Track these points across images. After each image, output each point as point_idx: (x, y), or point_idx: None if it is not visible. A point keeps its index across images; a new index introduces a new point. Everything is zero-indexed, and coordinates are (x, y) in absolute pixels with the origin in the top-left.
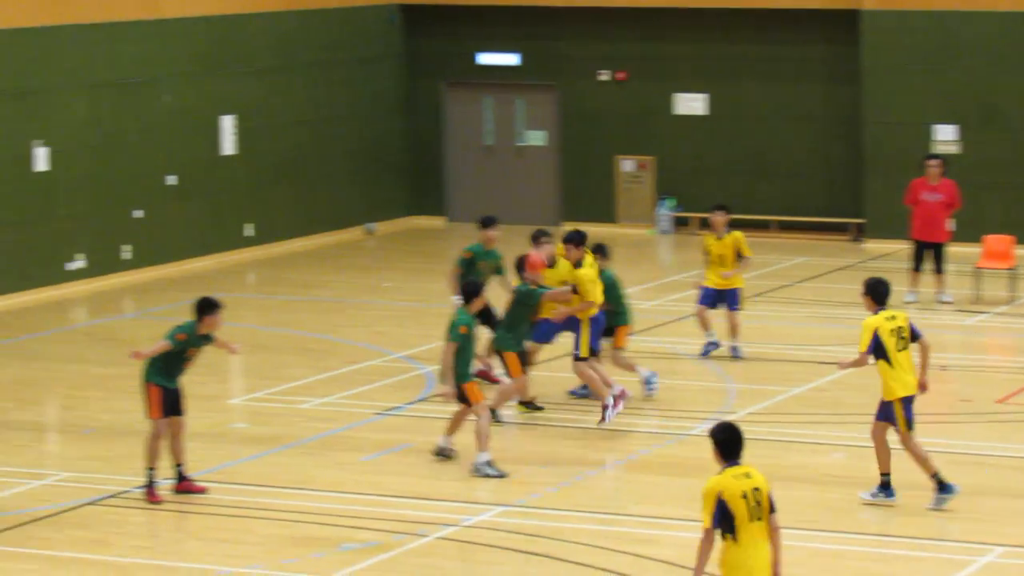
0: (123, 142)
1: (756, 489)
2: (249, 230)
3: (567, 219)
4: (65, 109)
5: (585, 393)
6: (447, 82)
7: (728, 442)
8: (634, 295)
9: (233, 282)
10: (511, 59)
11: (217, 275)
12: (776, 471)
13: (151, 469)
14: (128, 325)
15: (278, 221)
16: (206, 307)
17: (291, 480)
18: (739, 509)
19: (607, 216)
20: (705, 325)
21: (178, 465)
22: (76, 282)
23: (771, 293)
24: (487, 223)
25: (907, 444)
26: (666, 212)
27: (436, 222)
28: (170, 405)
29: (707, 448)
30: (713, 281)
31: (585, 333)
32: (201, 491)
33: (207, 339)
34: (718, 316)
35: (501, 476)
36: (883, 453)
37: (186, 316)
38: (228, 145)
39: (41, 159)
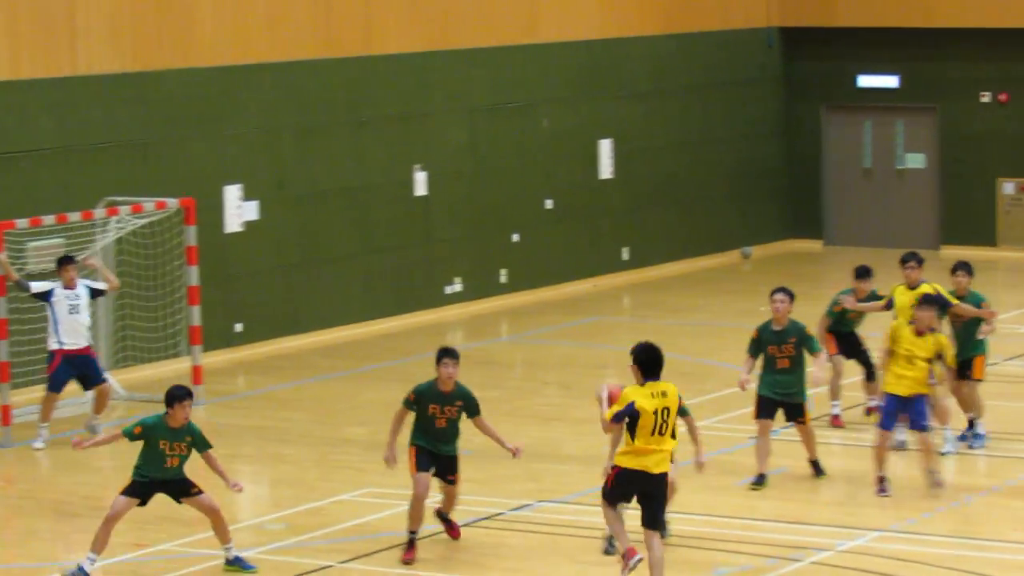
0: (500, 166)
1: (666, 409)
2: (625, 253)
3: (945, 242)
4: (444, 134)
5: None
6: (826, 105)
7: (648, 362)
8: (1013, 319)
9: (608, 305)
10: (890, 81)
11: (593, 298)
12: None
13: (412, 532)
14: (504, 348)
15: (654, 245)
16: (443, 358)
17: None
18: (647, 422)
19: (987, 239)
20: None
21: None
22: (453, 305)
23: None
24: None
25: None
26: None
27: (813, 246)
28: (428, 463)
29: None
30: None
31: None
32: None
33: (439, 396)
34: None
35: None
36: None
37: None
38: (606, 169)
39: (420, 183)
